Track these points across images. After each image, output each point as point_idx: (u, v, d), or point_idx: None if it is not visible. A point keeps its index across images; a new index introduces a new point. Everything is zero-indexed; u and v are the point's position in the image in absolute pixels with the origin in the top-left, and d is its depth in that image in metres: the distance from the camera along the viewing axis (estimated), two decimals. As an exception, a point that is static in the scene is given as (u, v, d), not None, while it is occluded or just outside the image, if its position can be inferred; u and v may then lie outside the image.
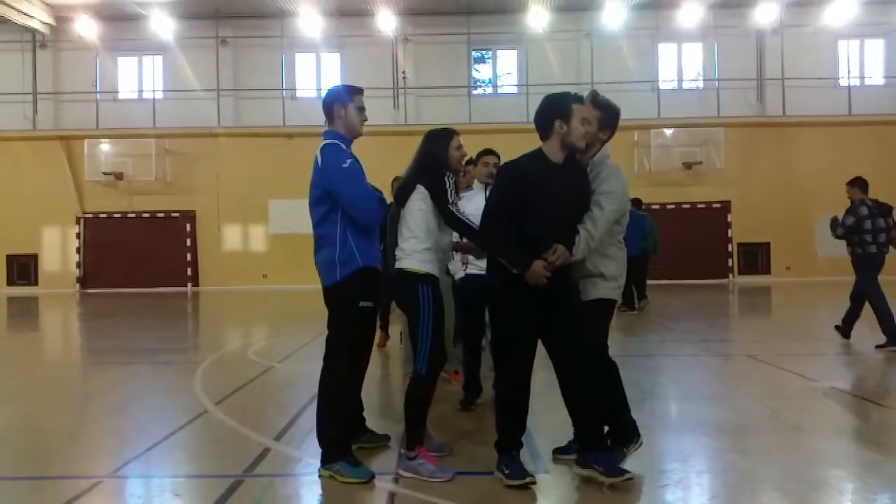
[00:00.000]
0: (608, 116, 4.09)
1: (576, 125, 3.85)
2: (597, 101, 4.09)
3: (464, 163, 4.92)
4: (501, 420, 3.98)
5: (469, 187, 5.88)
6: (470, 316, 5.74)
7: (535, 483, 3.81)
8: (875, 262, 8.39)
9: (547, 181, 3.84)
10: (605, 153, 4.12)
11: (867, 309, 8.46)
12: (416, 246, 4.09)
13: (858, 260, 8.49)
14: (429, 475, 3.92)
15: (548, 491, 3.84)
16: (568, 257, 3.80)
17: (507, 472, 3.83)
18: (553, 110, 3.89)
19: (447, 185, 4.07)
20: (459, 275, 5.68)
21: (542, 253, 3.76)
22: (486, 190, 5.56)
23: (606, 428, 4.09)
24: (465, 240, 4.60)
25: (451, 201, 4.07)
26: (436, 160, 4.18)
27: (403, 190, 4.19)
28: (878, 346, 8.13)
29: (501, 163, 4.04)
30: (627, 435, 4.15)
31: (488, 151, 5.75)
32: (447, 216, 4.11)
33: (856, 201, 8.43)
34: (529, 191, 3.82)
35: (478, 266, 5.53)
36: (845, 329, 8.66)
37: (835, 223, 8.53)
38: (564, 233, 3.83)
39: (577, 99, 3.94)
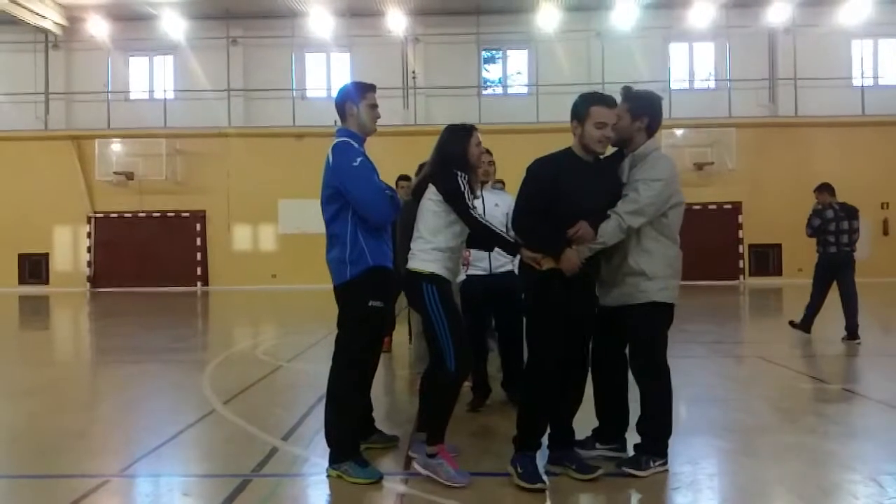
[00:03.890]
0: (637, 106, 3.99)
1: (589, 128, 3.79)
2: (626, 94, 4.04)
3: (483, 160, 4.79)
4: (525, 417, 3.90)
5: None
6: (473, 317, 5.66)
7: (545, 489, 3.76)
8: (833, 261, 8.83)
9: (573, 178, 3.81)
10: (653, 145, 4.02)
11: (862, 307, 8.69)
12: (423, 245, 4.03)
13: (819, 258, 8.99)
14: (447, 479, 3.82)
15: (557, 493, 3.79)
16: (591, 234, 3.74)
17: (520, 471, 3.78)
18: (572, 110, 3.87)
19: (462, 187, 3.90)
20: (460, 277, 5.58)
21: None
22: (481, 188, 5.49)
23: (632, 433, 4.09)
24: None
25: (470, 205, 3.92)
26: (450, 158, 4.01)
27: (420, 186, 4.13)
28: (791, 323, 9.24)
29: (532, 161, 3.93)
30: (657, 449, 3.96)
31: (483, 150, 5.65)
32: (468, 221, 3.93)
33: (824, 204, 8.90)
34: (556, 187, 3.79)
35: (479, 268, 5.51)
36: (851, 332, 8.64)
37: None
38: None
39: (601, 101, 3.82)
